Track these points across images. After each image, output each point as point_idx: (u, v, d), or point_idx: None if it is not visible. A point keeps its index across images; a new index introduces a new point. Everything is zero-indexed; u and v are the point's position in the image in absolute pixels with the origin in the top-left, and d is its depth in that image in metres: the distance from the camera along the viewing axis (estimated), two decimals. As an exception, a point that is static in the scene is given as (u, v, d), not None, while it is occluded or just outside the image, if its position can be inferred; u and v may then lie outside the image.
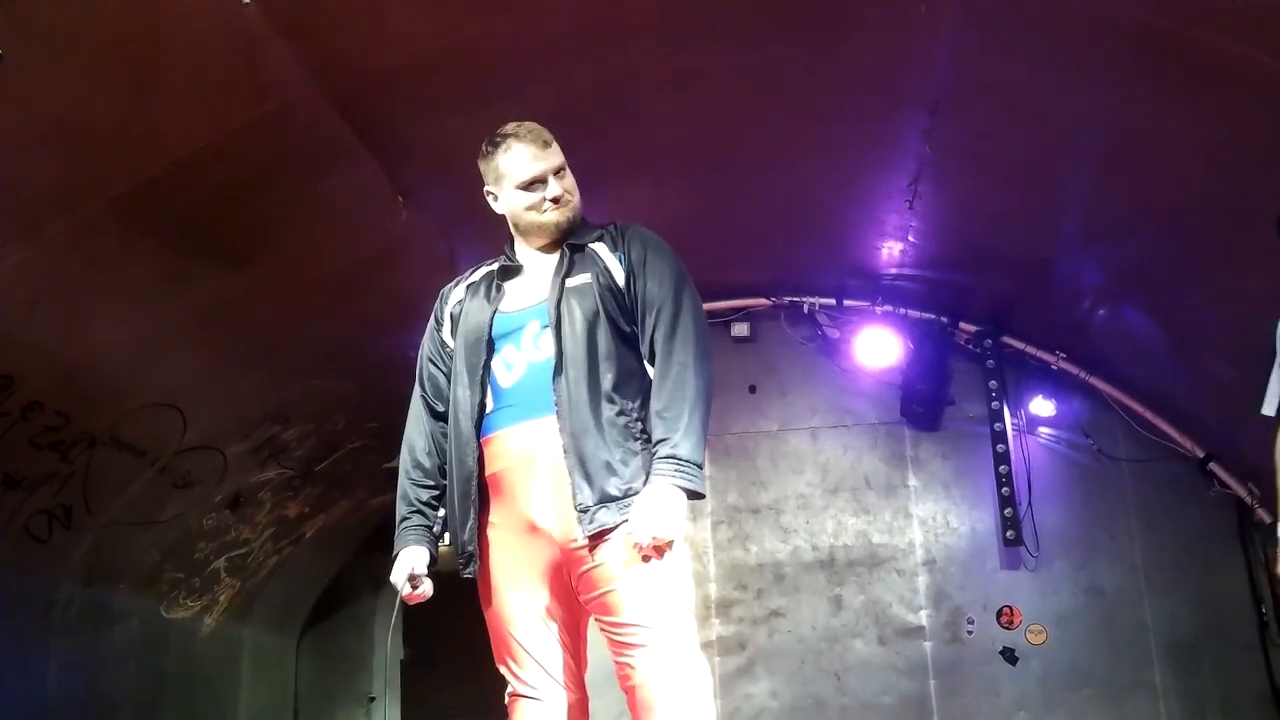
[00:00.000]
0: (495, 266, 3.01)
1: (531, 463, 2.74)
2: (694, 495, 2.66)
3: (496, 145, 2.91)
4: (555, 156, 2.89)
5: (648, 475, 2.68)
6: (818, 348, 7.48)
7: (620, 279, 2.84)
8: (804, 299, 7.37)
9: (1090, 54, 4.18)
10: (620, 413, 2.72)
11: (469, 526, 2.78)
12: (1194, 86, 4.13)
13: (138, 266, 4.30)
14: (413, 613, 7.73)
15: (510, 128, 2.91)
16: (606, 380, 2.73)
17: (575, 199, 2.92)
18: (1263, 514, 6.54)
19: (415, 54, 4.00)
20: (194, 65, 3.61)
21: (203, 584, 6.45)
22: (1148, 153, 4.68)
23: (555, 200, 2.88)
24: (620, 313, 2.81)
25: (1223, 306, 5.44)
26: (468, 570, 2.80)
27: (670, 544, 2.62)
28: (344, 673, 7.93)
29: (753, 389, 7.49)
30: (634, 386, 2.78)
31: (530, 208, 2.89)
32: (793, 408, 7.49)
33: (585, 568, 2.68)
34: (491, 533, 2.81)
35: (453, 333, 2.98)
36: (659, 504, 2.60)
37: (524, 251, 2.99)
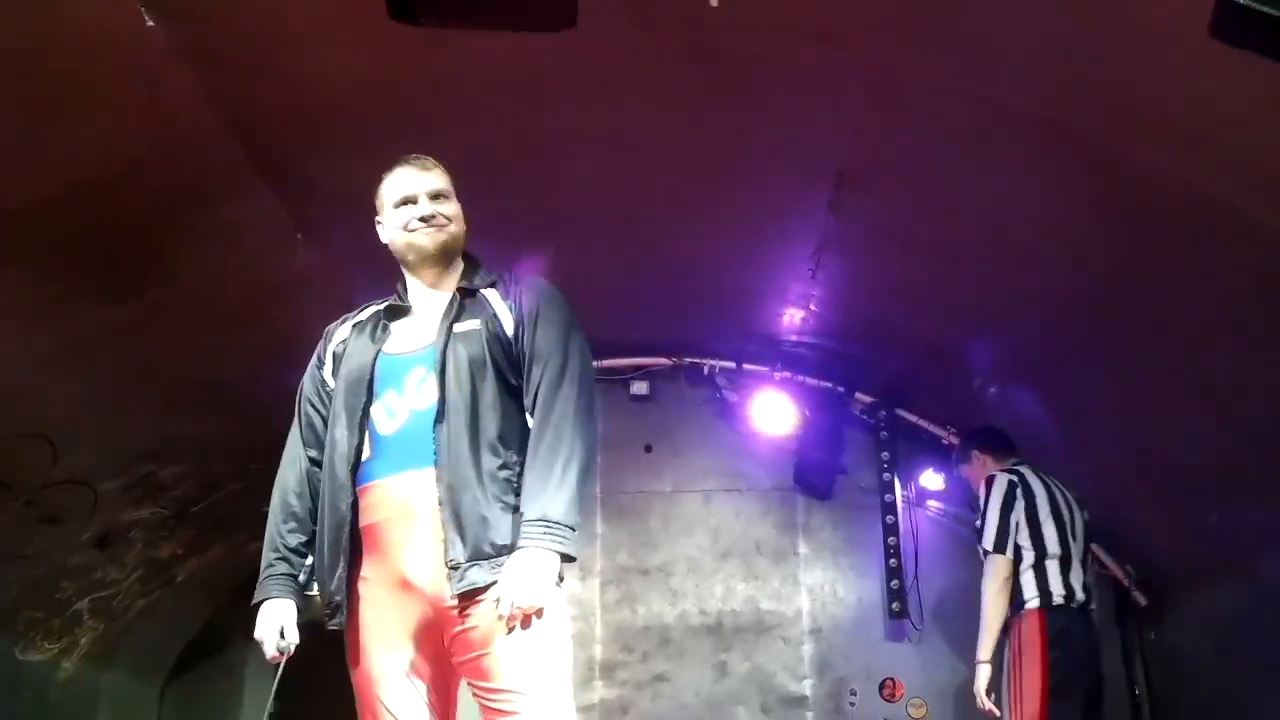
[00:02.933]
0: (383, 306, 2.95)
1: (408, 515, 2.65)
2: (566, 558, 2.57)
3: (386, 172, 2.87)
4: (434, 181, 2.88)
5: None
6: (715, 410, 7.48)
7: (510, 328, 2.79)
8: (704, 360, 7.38)
9: (992, 139, 4.28)
10: (502, 465, 2.65)
11: (337, 576, 2.68)
12: (1089, 177, 4.26)
13: (9, 291, 4.09)
14: (285, 663, 7.45)
15: (402, 156, 2.90)
16: (489, 431, 2.65)
17: (453, 227, 2.88)
18: (1138, 596, 6.68)
19: (326, 92, 3.92)
20: (91, 86, 3.47)
21: (63, 625, 6.13)
22: (1040, 237, 4.80)
23: (424, 220, 2.82)
24: (507, 362, 2.76)
25: (1108, 390, 5.59)
26: (334, 622, 2.71)
27: (539, 611, 2.52)
28: (210, 722, 7.60)
29: (649, 448, 7.45)
30: (519, 439, 2.71)
31: (401, 226, 2.85)
32: (687, 469, 7.46)
33: (458, 629, 2.60)
34: (362, 588, 2.70)
35: (334, 372, 2.90)
36: (524, 569, 2.51)
37: (415, 291, 2.93)
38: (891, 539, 7.08)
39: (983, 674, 4.98)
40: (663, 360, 7.40)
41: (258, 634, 2.78)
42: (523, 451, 2.69)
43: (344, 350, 2.92)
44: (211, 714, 7.58)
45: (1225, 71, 3.12)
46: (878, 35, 3.87)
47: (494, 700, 2.55)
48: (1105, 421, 5.87)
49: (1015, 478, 5.14)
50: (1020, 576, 4.94)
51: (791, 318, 6.55)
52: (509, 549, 2.57)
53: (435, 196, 2.87)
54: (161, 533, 6.36)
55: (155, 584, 6.67)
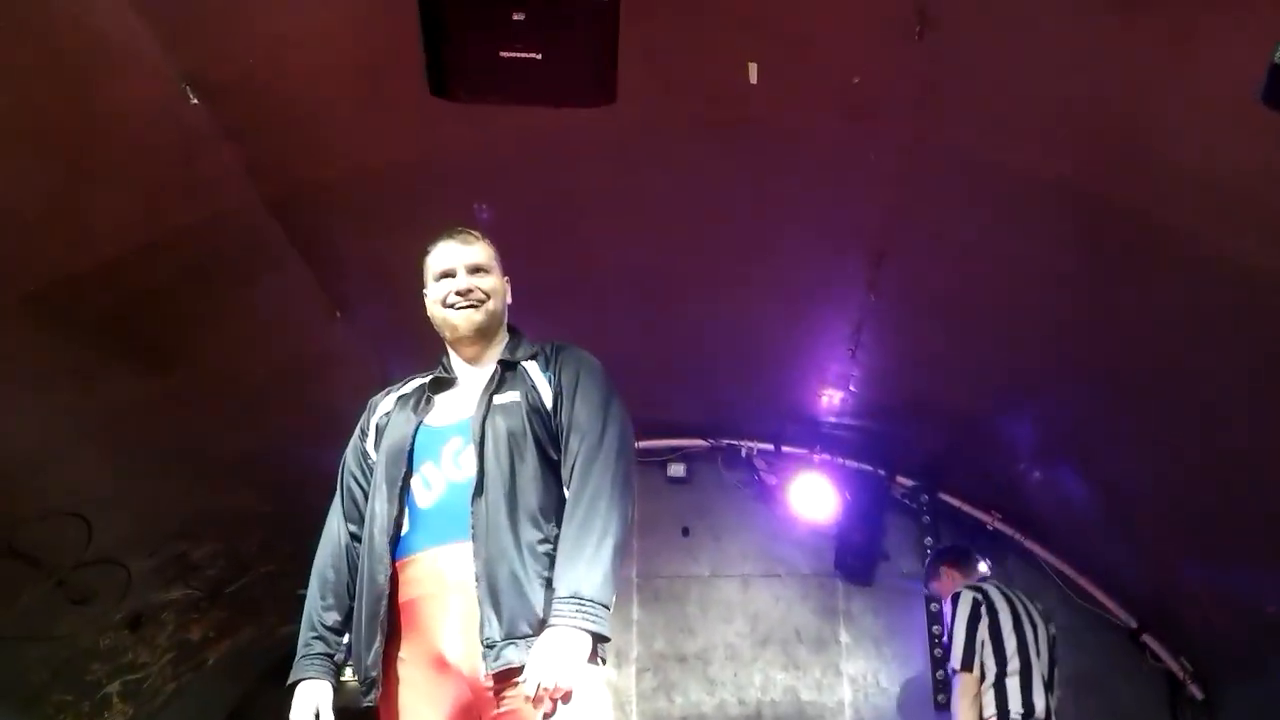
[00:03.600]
0: (428, 379, 2.92)
1: (444, 591, 2.59)
2: (599, 638, 2.48)
3: (431, 244, 2.87)
4: (474, 255, 2.87)
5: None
6: (754, 493, 7.37)
7: (549, 400, 2.75)
8: (742, 442, 7.29)
9: (1033, 213, 4.25)
10: (542, 540, 2.58)
11: (374, 650, 2.61)
12: (1131, 256, 4.21)
13: (47, 365, 4.12)
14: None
15: (447, 229, 2.90)
16: (529, 504, 2.59)
17: (490, 304, 2.86)
18: (1194, 689, 6.45)
19: (359, 166, 3.96)
20: (131, 161, 3.53)
21: (92, 709, 6.05)
22: (1083, 316, 4.74)
23: (462, 294, 2.81)
24: (546, 435, 2.71)
25: (1155, 472, 5.46)
26: (368, 698, 2.61)
27: (566, 695, 2.42)
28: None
29: (686, 531, 7.34)
30: (558, 513, 2.63)
31: (440, 301, 2.84)
32: (725, 553, 7.33)
33: (495, 711, 2.51)
34: (400, 668, 2.63)
35: (376, 444, 2.86)
36: (555, 649, 2.42)
37: (458, 365, 2.92)
38: (935, 628, 6.89)
39: None
40: (699, 442, 7.32)
41: (294, 716, 2.69)
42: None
43: (387, 422, 2.89)
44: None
45: (1267, 136, 3.06)
46: (908, 108, 3.87)
47: None
48: (1152, 506, 5.71)
49: (979, 595, 5.23)
50: (983, 694, 5.02)
51: (830, 398, 6.47)
52: (546, 626, 2.49)
53: (474, 270, 2.86)
54: (193, 614, 6.31)
55: (186, 666, 6.60)
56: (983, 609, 5.14)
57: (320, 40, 3.38)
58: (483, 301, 2.85)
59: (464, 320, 2.84)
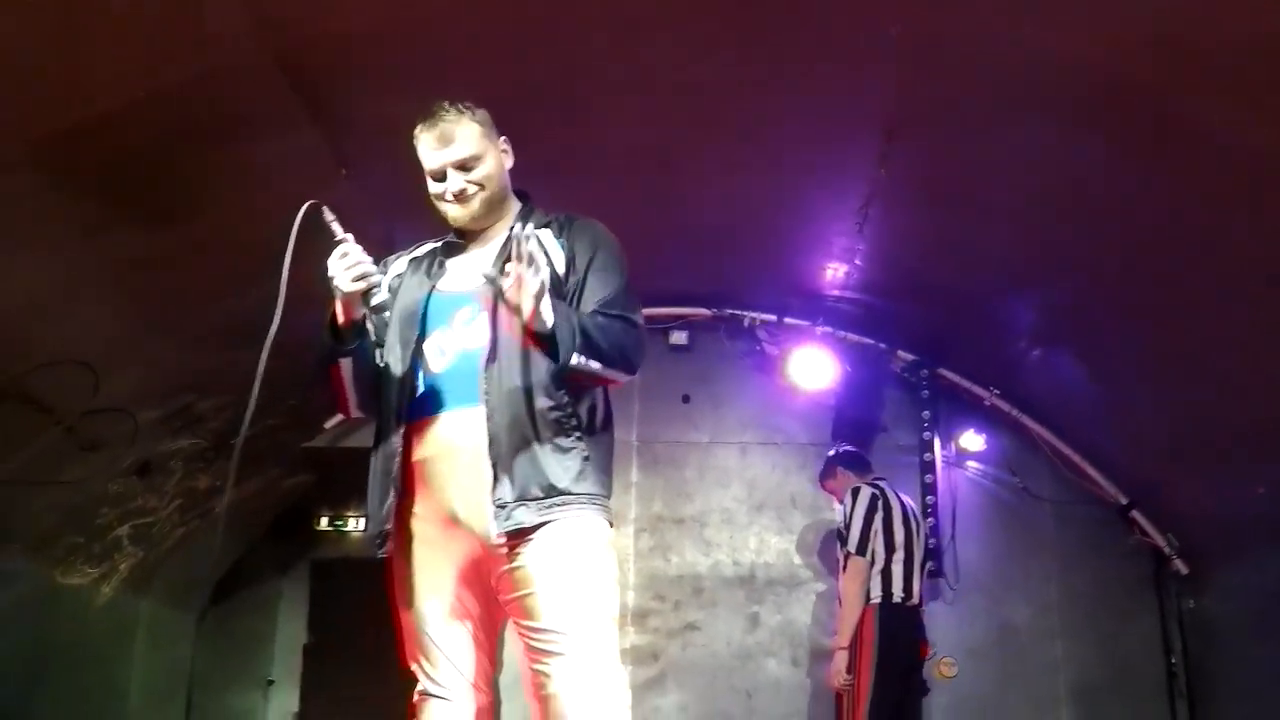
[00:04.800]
0: (440, 243, 2.92)
1: (455, 453, 2.63)
2: (548, 336, 2.51)
3: (415, 131, 2.82)
4: (459, 149, 2.77)
5: (581, 479, 2.58)
6: (754, 363, 7.43)
7: (560, 267, 2.74)
8: (745, 313, 7.33)
9: (1042, 96, 4.20)
10: (554, 407, 2.61)
11: (386, 506, 2.66)
12: (1135, 135, 4.17)
13: (54, 215, 4.07)
14: (318, 598, 7.53)
15: (426, 113, 2.80)
16: (540, 371, 2.60)
17: (485, 191, 2.80)
18: (1179, 564, 6.60)
19: (366, 21, 3.86)
20: (133, 10, 3.43)
21: (102, 551, 6.20)
22: (1087, 200, 4.71)
23: (456, 196, 2.77)
24: (557, 299, 2.71)
25: (1152, 356, 5.49)
26: (381, 550, 2.68)
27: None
28: (243, 655, 7.70)
29: (686, 399, 7.42)
30: (573, 385, 2.65)
31: (436, 198, 2.81)
32: (724, 421, 7.43)
33: (505, 568, 2.58)
34: (413, 523, 2.69)
35: (390, 304, 2.87)
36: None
37: (469, 233, 2.90)
38: (929, 498, 7.03)
39: (841, 658, 5.71)
40: (702, 311, 7.34)
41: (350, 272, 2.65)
42: (574, 393, 2.65)
43: (399, 284, 2.89)
44: (245, 644, 7.70)
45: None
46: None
47: (537, 640, 2.54)
48: (1146, 384, 5.78)
49: (877, 491, 5.90)
50: (871, 578, 5.72)
51: (835, 272, 6.47)
52: (557, 491, 2.55)
53: (461, 167, 2.78)
54: (199, 464, 6.40)
55: (193, 514, 6.73)
56: (879, 503, 5.81)
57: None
58: (476, 193, 2.81)
59: (460, 213, 2.82)
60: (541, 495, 2.54)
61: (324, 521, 8.07)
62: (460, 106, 2.81)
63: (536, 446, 2.56)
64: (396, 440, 2.68)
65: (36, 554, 5.74)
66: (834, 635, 5.98)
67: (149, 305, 4.94)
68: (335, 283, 2.65)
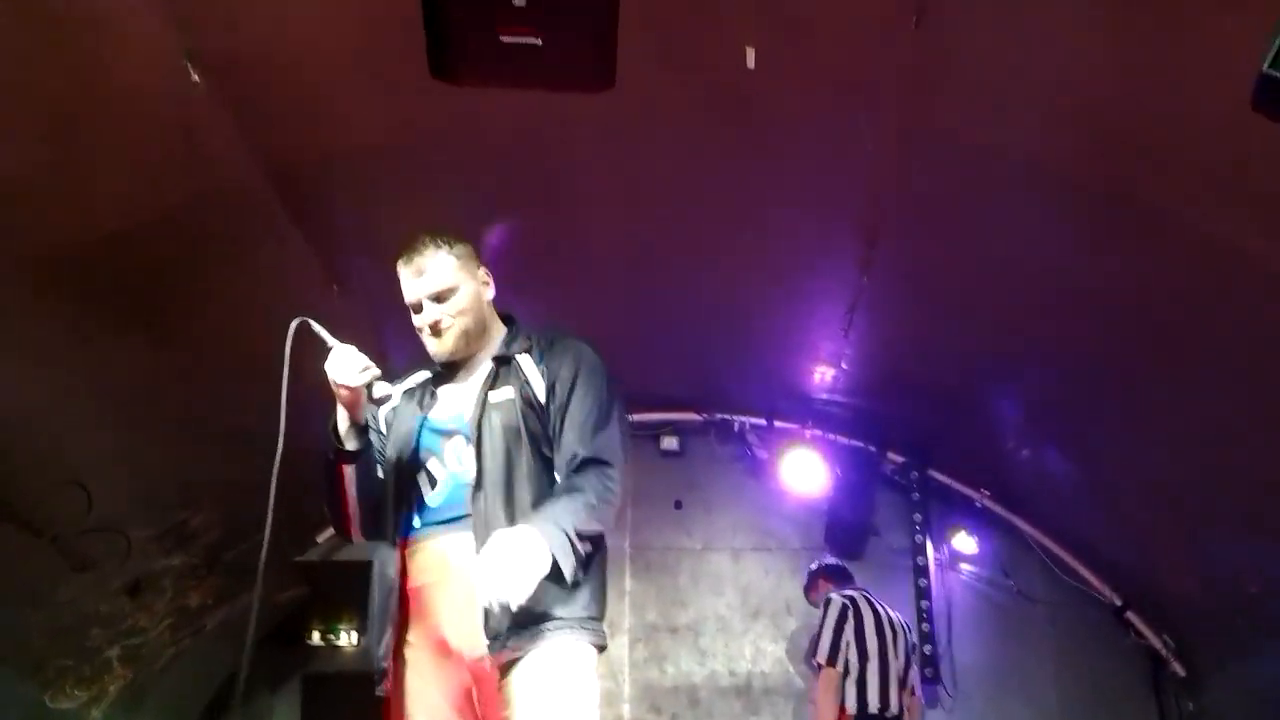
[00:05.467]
0: (429, 375, 2.97)
1: (447, 578, 2.67)
2: (557, 566, 2.47)
3: (397, 263, 2.90)
4: (433, 280, 2.82)
5: (567, 604, 2.61)
6: (745, 467, 7.46)
7: (541, 394, 2.78)
8: (734, 416, 7.37)
9: (1016, 190, 4.31)
10: None
11: (384, 641, 2.70)
12: (1115, 229, 4.27)
13: (48, 335, 4.16)
14: (310, 714, 7.36)
15: (406, 245, 2.86)
16: (524, 501, 2.66)
17: (458, 325, 2.85)
18: (1176, 667, 6.55)
19: (358, 142, 4.00)
20: (131, 135, 3.57)
21: (93, 673, 6.12)
22: (1070, 296, 4.80)
23: (432, 329, 2.83)
24: (541, 430, 2.76)
25: (1141, 452, 5.52)
26: (379, 688, 2.71)
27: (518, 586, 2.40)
28: (234, 775, 7.55)
29: (678, 504, 7.42)
30: None
31: (418, 330, 2.87)
32: (716, 526, 7.42)
33: (492, 692, 2.60)
34: (407, 652, 2.72)
35: (385, 436, 2.93)
36: (513, 543, 2.42)
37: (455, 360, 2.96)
38: (924, 602, 7.00)
39: None
40: (692, 415, 7.39)
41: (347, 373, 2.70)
42: None
43: (394, 416, 2.94)
44: (236, 764, 7.54)
45: (1255, 122, 3.11)
46: (903, 87, 3.91)
47: None
48: (1136, 485, 5.79)
49: (847, 600, 5.85)
50: (845, 689, 5.61)
51: (823, 375, 6.54)
52: (546, 617, 2.58)
53: (437, 298, 2.83)
54: (192, 581, 6.37)
55: (185, 632, 6.67)
56: (849, 612, 5.76)
57: (322, 19, 3.42)
58: (451, 326, 2.85)
59: (436, 349, 2.87)
60: (529, 623, 2.56)
61: (316, 635, 8.00)
62: (439, 240, 2.86)
63: None
64: (392, 572, 2.72)
65: (27, 678, 5.67)
66: None
67: (143, 422, 4.98)
68: (339, 383, 2.70)
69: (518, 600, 2.37)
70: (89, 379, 4.54)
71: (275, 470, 2.75)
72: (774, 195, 4.72)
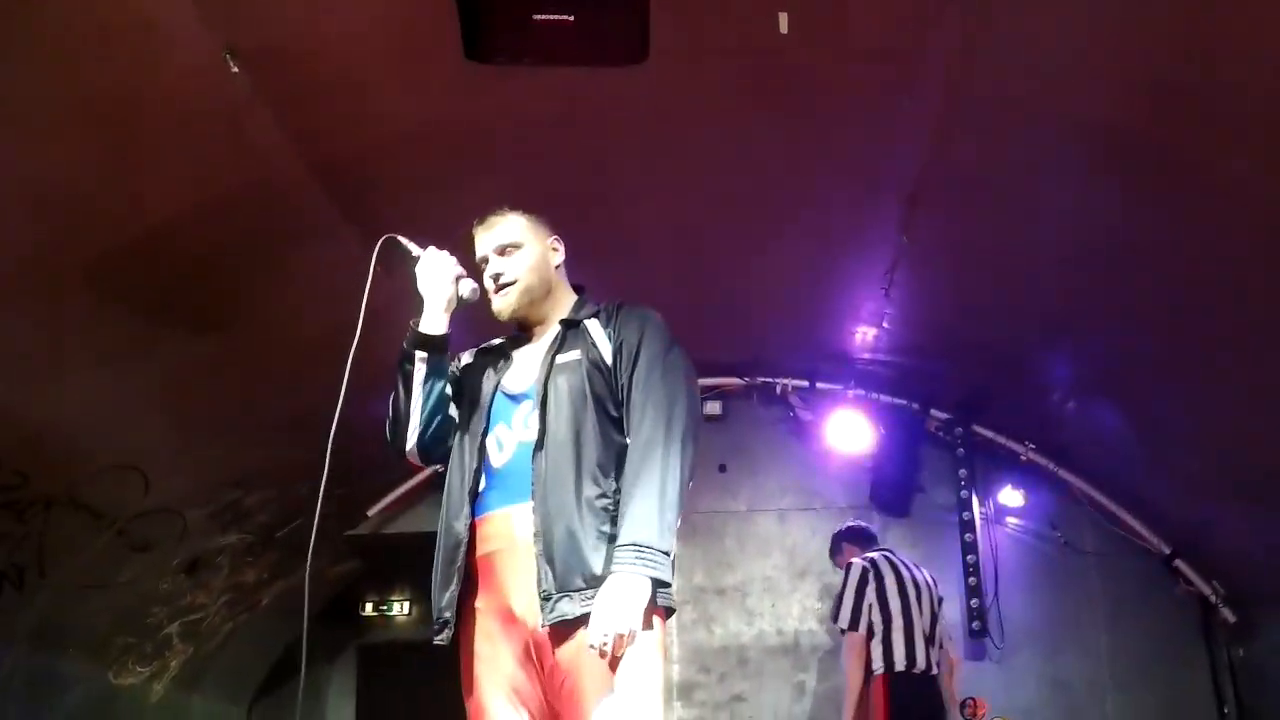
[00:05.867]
0: (505, 340, 3.00)
1: (513, 547, 2.67)
2: (659, 584, 2.54)
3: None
4: (499, 235, 2.91)
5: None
6: (789, 429, 7.48)
7: (608, 356, 2.80)
8: (777, 380, 7.38)
9: (1063, 152, 4.26)
10: (600, 495, 2.64)
11: (449, 594, 2.70)
12: (1162, 188, 4.22)
13: (106, 330, 4.24)
14: (365, 683, 7.53)
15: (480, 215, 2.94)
16: (590, 460, 2.66)
17: (521, 283, 2.89)
18: (1227, 613, 6.54)
19: (398, 130, 4.01)
20: (177, 132, 3.60)
21: (154, 649, 6.29)
22: (1115, 250, 4.75)
23: (495, 282, 2.88)
24: (607, 391, 2.77)
25: (1189, 403, 5.50)
26: (440, 637, 2.71)
27: (630, 635, 2.48)
28: (295, 744, 7.74)
29: (723, 468, 7.45)
30: (619, 468, 2.69)
31: (487, 291, 2.90)
32: (762, 489, 7.45)
33: (550, 661, 2.62)
34: (477, 617, 2.74)
35: (459, 385, 2.94)
36: (615, 595, 2.48)
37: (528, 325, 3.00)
38: (970, 557, 7.01)
39: None
40: (735, 380, 7.40)
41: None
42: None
43: (463, 373, 2.97)
44: (296, 734, 7.72)
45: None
46: (942, 54, 3.87)
47: None
48: (1185, 436, 5.76)
49: (868, 564, 5.83)
50: (871, 649, 5.64)
51: (865, 335, 6.53)
52: (601, 580, 2.55)
53: (502, 251, 2.90)
54: (247, 558, 6.50)
55: (241, 608, 6.82)
56: (869, 575, 5.74)
57: (356, 9, 3.43)
58: (512, 284, 2.88)
59: (499, 306, 2.91)
60: (584, 585, 2.56)
61: (369, 607, 8.14)
62: (512, 206, 2.97)
63: (581, 536, 2.59)
64: (462, 528, 2.72)
65: (92, 656, 5.83)
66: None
67: (196, 408, 5.07)
68: (434, 282, 2.81)
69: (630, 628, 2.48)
70: (144, 369, 4.63)
71: (339, 403, 2.82)
72: (813, 163, 4.71)
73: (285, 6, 3.34)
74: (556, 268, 3.00)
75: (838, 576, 7.14)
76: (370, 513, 7.23)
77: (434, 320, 2.82)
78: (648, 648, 2.59)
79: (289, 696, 7.71)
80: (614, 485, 2.67)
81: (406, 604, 8.23)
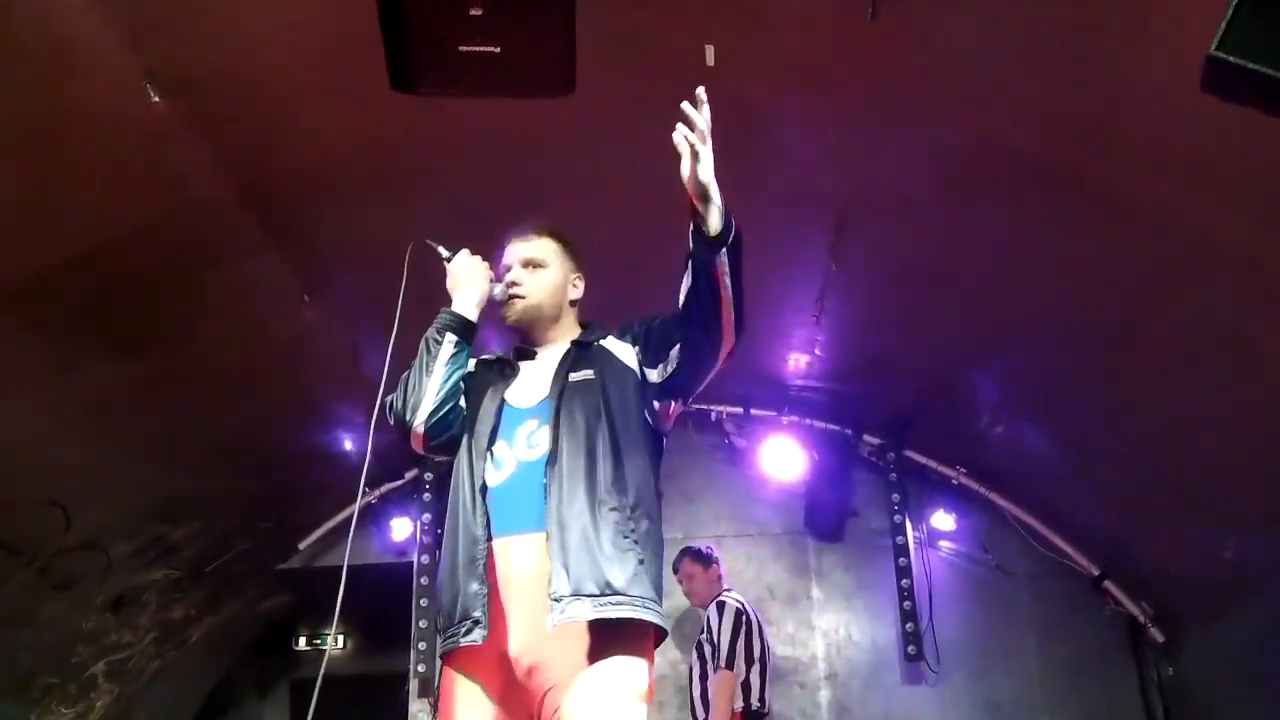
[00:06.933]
0: (507, 353, 3.01)
1: (508, 586, 2.63)
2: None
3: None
4: (529, 249, 3.00)
5: (635, 582, 2.57)
6: (724, 456, 7.49)
7: (633, 358, 2.86)
8: (711, 406, 7.39)
9: (987, 177, 4.34)
10: (614, 509, 2.62)
11: (474, 590, 2.62)
12: (1087, 217, 4.31)
13: (25, 357, 4.16)
14: (299, 718, 7.37)
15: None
16: (605, 476, 2.64)
17: (531, 299, 2.95)
18: (1155, 633, 6.64)
19: (325, 150, 4.00)
20: (99, 158, 3.56)
21: (79, 690, 6.13)
22: (1039, 275, 4.84)
23: (510, 288, 2.94)
24: (635, 395, 2.80)
25: (1114, 423, 5.59)
26: (471, 636, 2.60)
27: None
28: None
29: (659, 495, 7.43)
30: (632, 488, 2.67)
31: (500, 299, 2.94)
32: (698, 516, 7.45)
33: (541, 674, 2.57)
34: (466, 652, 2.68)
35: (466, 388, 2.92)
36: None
37: (535, 344, 3.00)
38: (905, 581, 7.06)
39: None
40: (669, 406, 7.39)
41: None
42: (636, 502, 2.66)
43: (466, 379, 2.93)
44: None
45: (1218, 104, 3.17)
46: (867, 80, 3.93)
47: None
48: (1111, 456, 5.86)
49: (740, 605, 5.92)
50: (736, 690, 5.72)
51: (797, 362, 6.58)
52: (613, 590, 2.54)
53: (527, 264, 2.98)
54: (174, 594, 6.37)
55: (170, 645, 6.68)
56: (743, 618, 5.82)
57: (280, 35, 3.41)
58: (525, 296, 2.94)
59: (508, 312, 2.96)
60: (596, 592, 2.53)
61: (303, 641, 8.03)
62: (553, 229, 3.09)
63: (595, 545, 2.56)
64: (479, 530, 2.66)
65: (14, 697, 5.68)
66: None
67: (120, 437, 4.98)
68: (469, 280, 2.88)
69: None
70: (63, 398, 4.54)
71: (375, 415, 2.83)
72: (741, 189, 4.72)
73: (206, 33, 3.32)
74: (572, 302, 3.07)
75: (775, 603, 7.25)
76: (301, 546, 7.12)
77: (468, 309, 2.87)
78: (637, 678, 2.60)
79: (221, 735, 7.58)
80: (626, 502, 2.65)
81: (341, 638, 8.13)
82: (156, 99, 3.37)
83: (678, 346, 2.74)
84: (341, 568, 2.84)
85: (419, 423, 2.80)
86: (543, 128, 4.14)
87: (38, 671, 5.75)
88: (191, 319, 4.65)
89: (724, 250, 2.66)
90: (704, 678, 5.83)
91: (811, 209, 4.90)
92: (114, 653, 6.23)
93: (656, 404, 2.82)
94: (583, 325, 3.06)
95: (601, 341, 2.91)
